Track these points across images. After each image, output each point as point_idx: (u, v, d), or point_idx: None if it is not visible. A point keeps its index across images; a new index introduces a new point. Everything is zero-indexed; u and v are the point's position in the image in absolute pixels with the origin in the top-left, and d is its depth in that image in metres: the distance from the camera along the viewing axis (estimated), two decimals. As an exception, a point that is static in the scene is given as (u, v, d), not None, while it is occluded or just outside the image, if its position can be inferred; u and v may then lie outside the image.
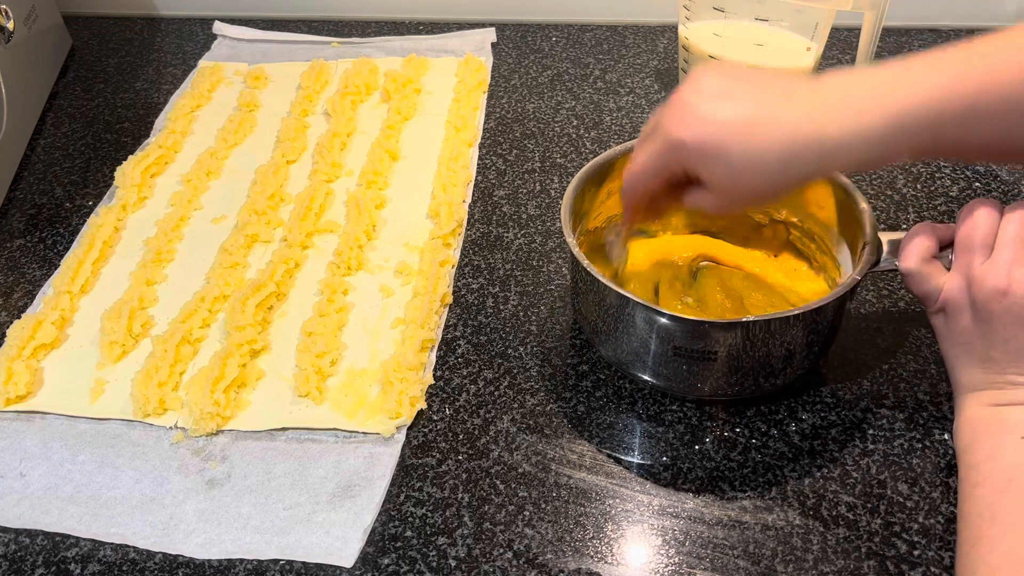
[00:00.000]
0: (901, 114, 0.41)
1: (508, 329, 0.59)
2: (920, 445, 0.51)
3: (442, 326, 0.60)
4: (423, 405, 0.54)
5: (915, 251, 0.46)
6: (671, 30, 0.92)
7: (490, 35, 0.92)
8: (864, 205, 0.51)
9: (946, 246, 0.47)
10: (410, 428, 0.53)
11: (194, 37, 0.96)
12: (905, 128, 0.41)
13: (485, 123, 0.79)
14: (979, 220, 0.44)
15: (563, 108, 0.81)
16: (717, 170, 0.44)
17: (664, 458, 0.51)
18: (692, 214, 0.60)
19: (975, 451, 0.44)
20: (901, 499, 0.48)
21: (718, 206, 0.47)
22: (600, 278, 0.49)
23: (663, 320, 0.48)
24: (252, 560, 0.47)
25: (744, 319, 0.46)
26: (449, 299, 0.62)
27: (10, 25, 0.78)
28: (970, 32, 0.87)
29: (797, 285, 0.57)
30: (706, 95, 0.44)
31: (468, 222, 0.69)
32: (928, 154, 0.44)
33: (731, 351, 0.48)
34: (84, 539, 0.48)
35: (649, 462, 0.51)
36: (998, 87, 0.41)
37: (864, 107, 0.42)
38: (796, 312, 0.47)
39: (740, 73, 0.45)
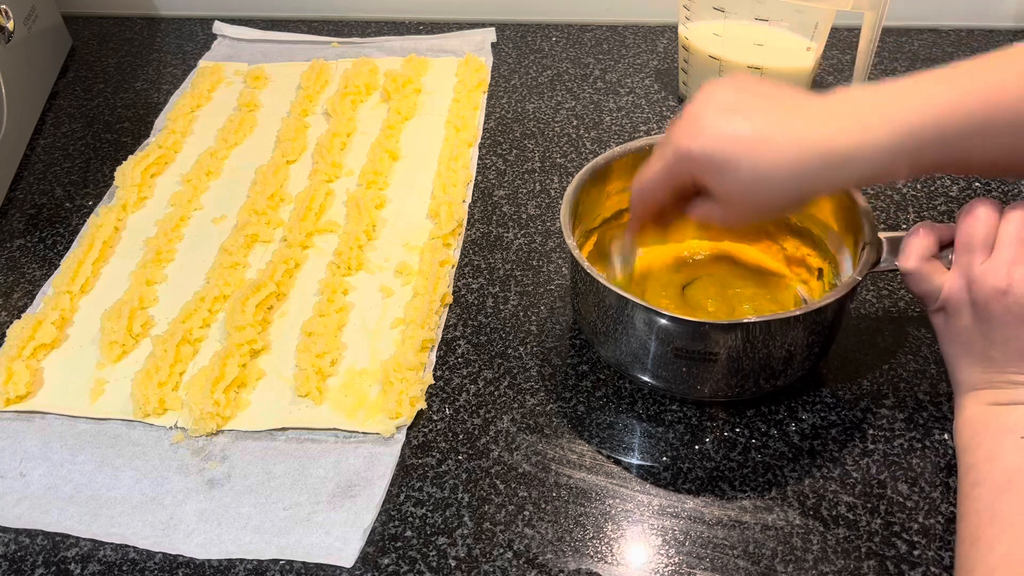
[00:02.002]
0: (910, 129, 0.41)
1: (508, 329, 0.59)
2: (920, 445, 0.51)
3: (442, 326, 0.60)
4: (423, 405, 0.54)
5: (915, 250, 0.46)
6: (671, 30, 0.92)
7: (490, 35, 0.92)
8: (864, 205, 0.51)
9: (946, 246, 0.47)
10: (410, 428, 0.53)
11: (194, 37, 0.96)
12: (914, 142, 0.42)
13: (485, 123, 0.79)
14: (979, 220, 0.44)
15: (563, 108, 0.81)
16: (726, 182, 0.44)
17: (664, 458, 0.51)
18: (698, 226, 0.60)
19: (974, 451, 0.44)
20: (901, 499, 0.48)
21: (726, 218, 0.47)
22: (600, 279, 0.48)
23: (663, 321, 0.47)
24: (252, 560, 0.47)
25: (744, 320, 0.46)
26: (449, 299, 0.62)
27: (10, 25, 0.78)
28: (970, 32, 0.88)
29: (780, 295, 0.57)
30: (716, 108, 0.44)
31: (468, 222, 0.69)
32: (935, 169, 0.44)
33: (731, 352, 0.48)
34: (84, 539, 0.49)
35: (649, 462, 0.51)
36: (1005, 103, 0.41)
37: (872, 122, 0.42)
38: (796, 313, 0.47)
39: (751, 87, 0.45)
